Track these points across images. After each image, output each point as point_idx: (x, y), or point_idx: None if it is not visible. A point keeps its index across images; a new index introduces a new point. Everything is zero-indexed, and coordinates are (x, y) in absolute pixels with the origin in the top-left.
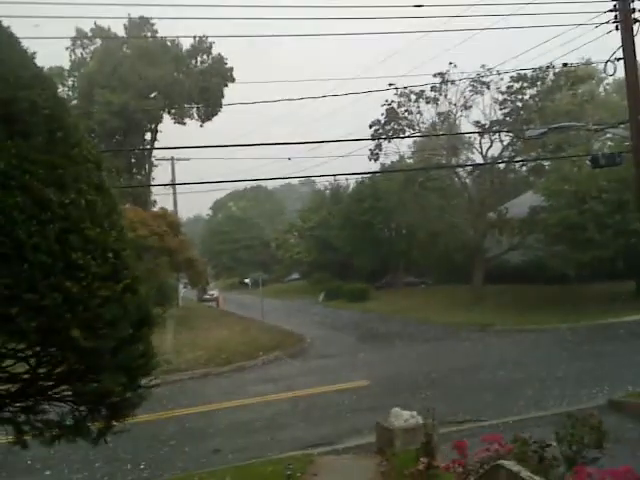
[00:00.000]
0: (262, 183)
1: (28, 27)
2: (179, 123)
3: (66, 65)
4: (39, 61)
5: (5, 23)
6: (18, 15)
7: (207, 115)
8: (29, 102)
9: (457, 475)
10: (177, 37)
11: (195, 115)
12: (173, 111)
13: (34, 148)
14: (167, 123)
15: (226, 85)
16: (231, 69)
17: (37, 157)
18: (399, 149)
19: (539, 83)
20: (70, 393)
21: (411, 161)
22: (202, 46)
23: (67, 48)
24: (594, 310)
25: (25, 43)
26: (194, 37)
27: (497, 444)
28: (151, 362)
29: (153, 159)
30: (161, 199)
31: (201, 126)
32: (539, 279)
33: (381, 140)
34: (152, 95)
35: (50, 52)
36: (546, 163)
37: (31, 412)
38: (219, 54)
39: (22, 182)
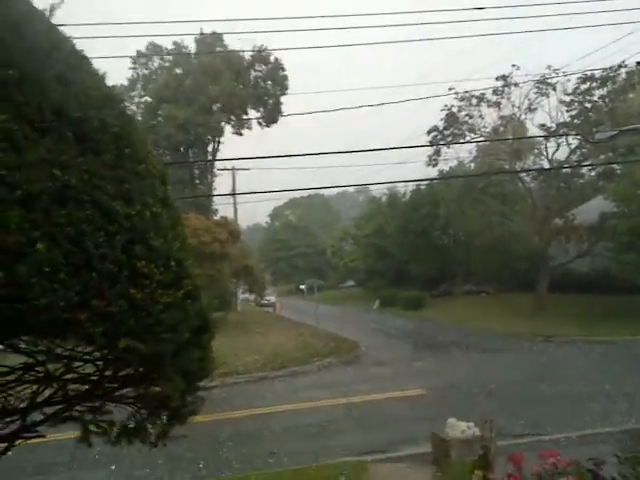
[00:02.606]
0: (318, 191)
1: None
2: (237, 134)
3: (125, 82)
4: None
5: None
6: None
7: (266, 122)
8: (99, 121)
9: None
10: (235, 51)
11: (253, 125)
12: (232, 122)
13: (103, 164)
14: (228, 134)
15: (285, 93)
16: (286, 77)
17: (106, 173)
18: (458, 154)
19: (609, 83)
20: (132, 396)
21: (471, 166)
22: (260, 55)
23: (133, 63)
24: None
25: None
26: (253, 49)
27: (553, 459)
28: (209, 366)
29: (215, 169)
30: (222, 208)
31: (266, 126)
32: (607, 289)
33: (440, 146)
34: (214, 108)
35: (110, 69)
36: (617, 167)
37: (97, 412)
38: (276, 59)
39: (92, 196)
